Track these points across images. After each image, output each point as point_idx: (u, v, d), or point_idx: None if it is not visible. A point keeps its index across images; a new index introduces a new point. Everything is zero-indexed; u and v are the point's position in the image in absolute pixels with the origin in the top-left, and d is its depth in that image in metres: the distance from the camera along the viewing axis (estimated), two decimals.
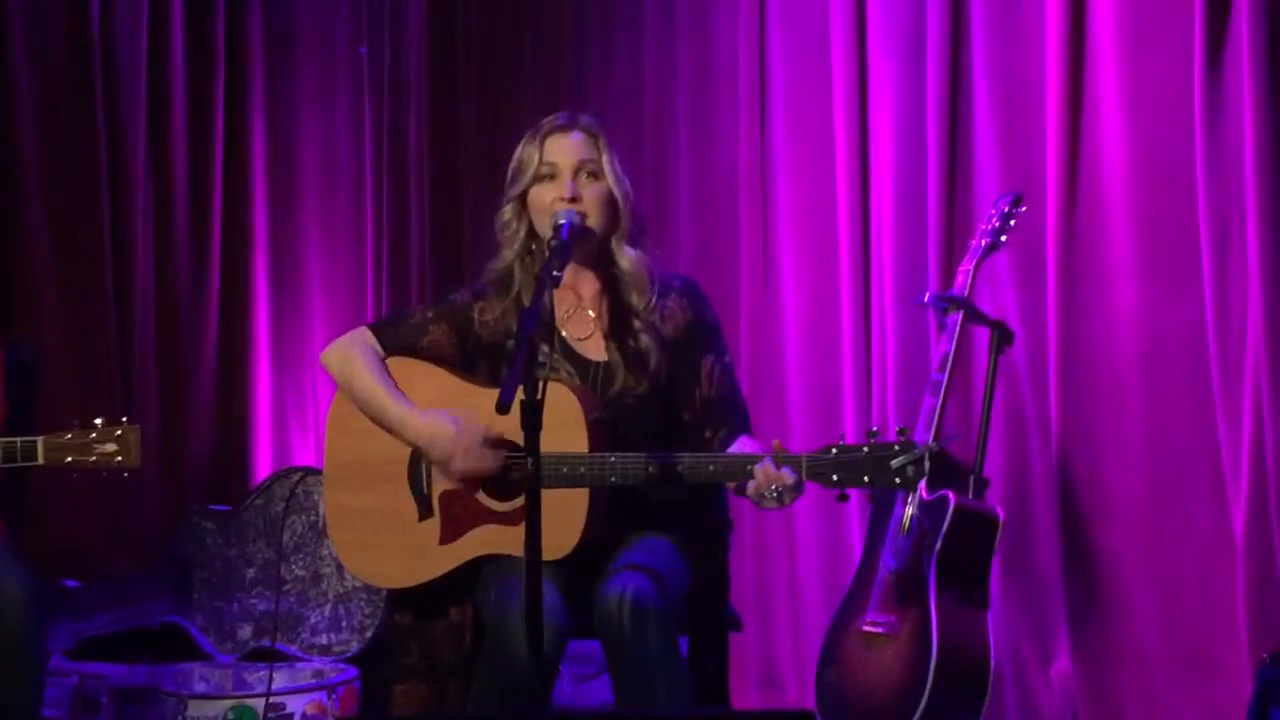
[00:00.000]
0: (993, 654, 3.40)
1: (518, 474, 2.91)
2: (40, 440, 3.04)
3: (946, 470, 3.52)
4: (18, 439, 3.04)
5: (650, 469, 2.78)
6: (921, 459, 2.66)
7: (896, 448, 2.67)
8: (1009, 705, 3.94)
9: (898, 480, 2.67)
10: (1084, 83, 3.88)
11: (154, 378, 4.97)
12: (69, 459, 3.05)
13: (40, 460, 3.04)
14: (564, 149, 3.00)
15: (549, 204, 2.96)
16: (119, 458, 3.05)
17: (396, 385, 2.98)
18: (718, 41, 4.67)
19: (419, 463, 2.97)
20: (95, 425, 3.05)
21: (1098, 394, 3.88)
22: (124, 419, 3.07)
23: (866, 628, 3.46)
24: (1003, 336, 3.68)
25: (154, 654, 4.32)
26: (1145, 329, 3.81)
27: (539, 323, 2.55)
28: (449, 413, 2.91)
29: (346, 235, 5.26)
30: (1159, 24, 3.77)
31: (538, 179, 2.99)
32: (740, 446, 2.93)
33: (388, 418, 2.96)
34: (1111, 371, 3.86)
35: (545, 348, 2.57)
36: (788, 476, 2.71)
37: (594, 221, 2.95)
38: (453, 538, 2.93)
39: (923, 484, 3.43)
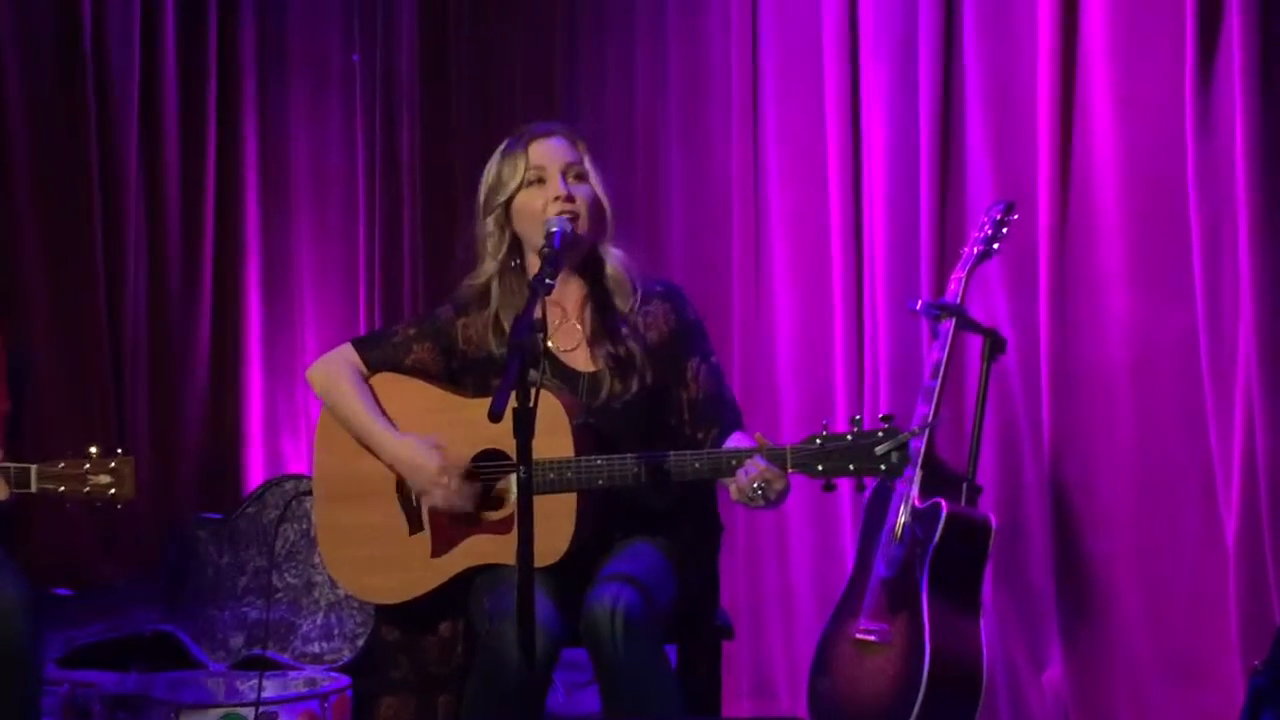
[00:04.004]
0: (985, 661, 3.41)
1: (504, 484, 2.91)
2: (33, 469, 2.99)
3: (939, 478, 3.53)
4: (10, 465, 2.99)
5: (637, 469, 2.78)
6: (905, 444, 2.65)
7: (880, 434, 2.67)
8: (1001, 712, 3.94)
9: (883, 467, 2.66)
10: (1075, 91, 3.89)
11: (145, 386, 4.97)
12: (62, 489, 2.99)
13: (33, 489, 2.99)
14: (550, 152, 2.99)
15: (541, 208, 2.94)
16: (113, 490, 2.99)
17: (379, 405, 2.97)
18: (710, 48, 4.68)
19: None
20: (90, 455, 3.00)
21: (1090, 401, 3.89)
22: (118, 450, 3.02)
23: (859, 635, 3.46)
24: (995, 344, 3.68)
25: (145, 662, 4.30)
26: (1137, 337, 3.82)
27: (531, 330, 2.55)
28: (434, 439, 2.90)
29: (338, 243, 5.27)
30: (1150, 32, 3.78)
31: (525, 184, 2.98)
32: (733, 443, 2.93)
33: (370, 440, 2.95)
34: (1103, 379, 3.86)
35: (535, 373, 2.56)
36: (772, 471, 2.70)
37: (584, 223, 2.95)
38: (444, 550, 2.92)
39: (915, 492, 3.47)
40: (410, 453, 2.90)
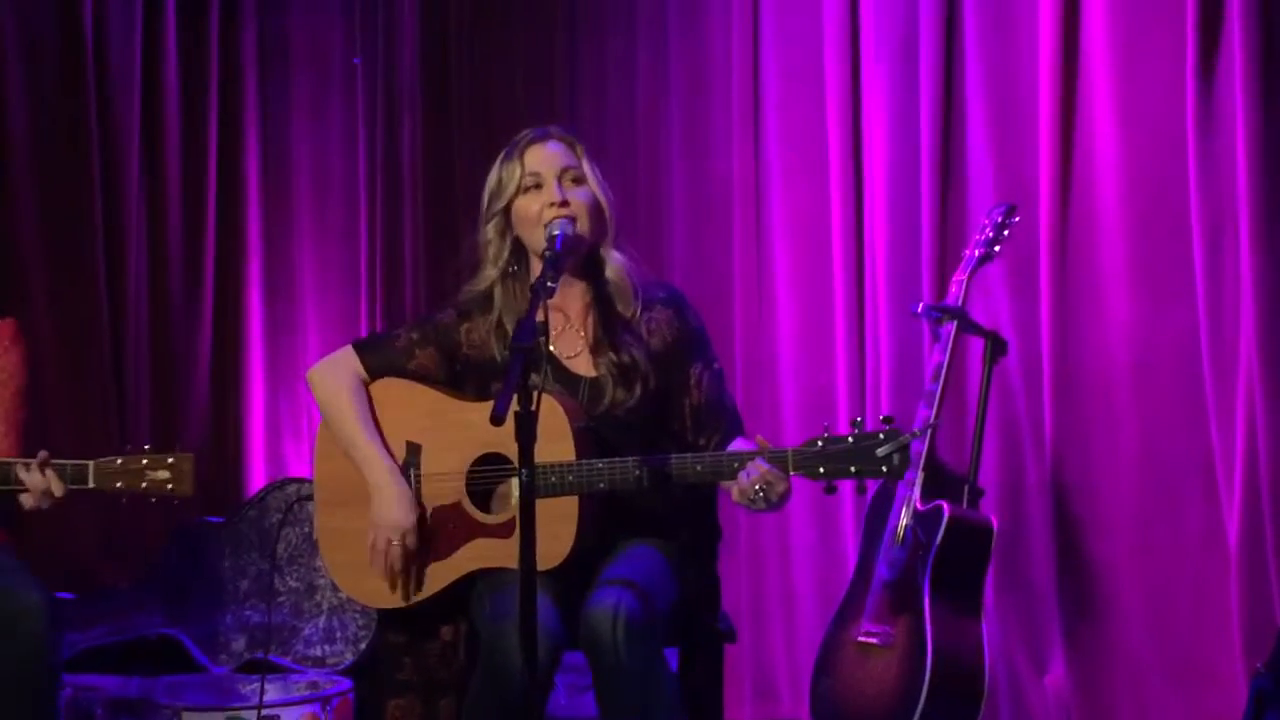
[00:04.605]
0: (987, 663, 3.41)
1: (505, 488, 2.91)
2: (91, 465, 3.02)
3: (941, 480, 3.53)
4: (67, 463, 3.02)
5: (638, 473, 2.78)
6: (906, 446, 2.65)
7: (881, 436, 2.66)
8: (1003, 715, 3.94)
9: (884, 469, 2.66)
10: (1077, 93, 3.89)
11: (147, 388, 4.96)
12: (119, 484, 3.02)
13: (90, 485, 3.02)
14: (545, 157, 3.00)
15: (538, 213, 2.95)
16: (171, 485, 3.03)
17: (375, 420, 2.98)
18: (711, 52, 4.68)
19: (408, 481, 2.97)
20: (145, 451, 3.03)
21: (1091, 403, 3.89)
22: (176, 446, 3.06)
23: (861, 638, 3.46)
24: (996, 346, 3.69)
25: (148, 666, 4.31)
26: (1138, 338, 3.82)
27: (533, 334, 2.55)
28: (414, 506, 2.90)
29: (340, 246, 5.26)
30: (1151, 35, 3.78)
31: (522, 190, 2.98)
32: (734, 449, 2.93)
33: (356, 457, 2.96)
34: (1105, 381, 3.87)
35: (536, 377, 2.56)
36: (773, 473, 2.70)
37: (583, 226, 2.96)
38: (445, 554, 2.93)
39: (917, 494, 3.47)
40: (392, 489, 2.91)
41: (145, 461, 3.02)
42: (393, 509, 2.90)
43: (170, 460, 3.02)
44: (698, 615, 3.04)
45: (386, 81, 5.16)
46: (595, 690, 2.74)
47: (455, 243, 5.09)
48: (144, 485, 3.02)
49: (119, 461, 3.02)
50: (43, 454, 3.01)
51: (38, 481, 3.00)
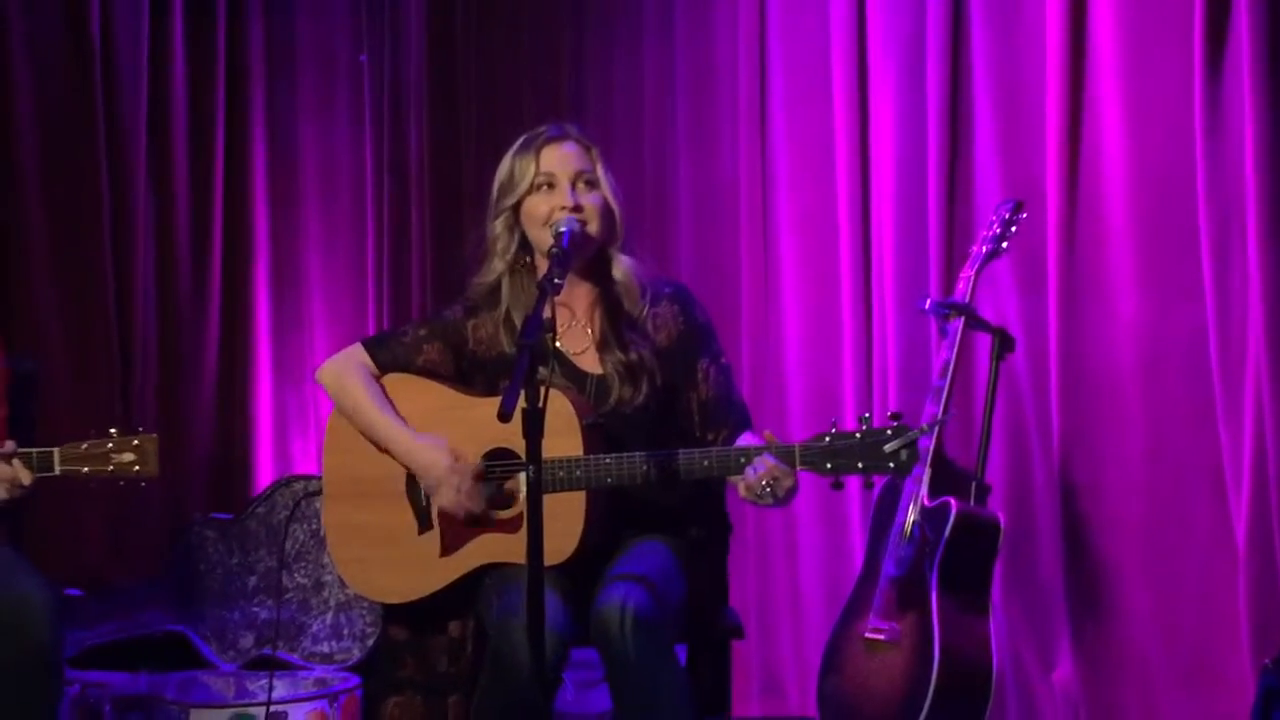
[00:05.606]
0: (995, 661, 3.41)
1: (513, 483, 2.92)
2: (56, 451, 2.99)
3: (948, 477, 3.53)
4: (33, 450, 2.98)
5: (646, 468, 2.78)
6: (914, 442, 2.65)
7: (889, 432, 2.66)
8: (1010, 712, 3.94)
9: (892, 465, 2.66)
10: (1084, 90, 3.89)
11: (154, 387, 4.97)
12: (85, 469, 2.99)
13: (56, 471, 2.99)
14: (561, 158, 2.99)
15: (548, 214, 2.95)
16: (137, 467, 3.00)
17: (391, 404, 2.98)
18: (717, 49, 4.68)
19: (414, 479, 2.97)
20: (111, 434, 3.00)
21: (1099, 400, 3.89)
22: (140, 429, 3.03)
23: (868, 634, 3.46)
24: (1004, 343, 3.69)
25: (156, 663, 4.31)
26: (1146, 336, 3.82)
27: (540, 330, 2.55)
28: (446, 443, 2.90)
29: (347, 244, 5.26)
30: (1159, 32, 3.78)
31: (534, 189, 2.98)
32: (742, 444, 2.92)
33: (382, 437, 2.96)
34: (1112, 378, 3.86)
35: (544, 371, 2.56)
36: (780, 468, 2.70)
37: (594, 230, 2.96)
38: (453, 549, 2.93)
39: (924, 491, 3.47)
40: (422, 451, 2.91)
41: (110, 445, 2.99)
42: (432, 464, 2.88)
43: (135, 442, 2.99)
44: (706, 612, 3.04)
45: (393, 79, 5.17)
46: (608, 685, 2.75)
47: (462, 240, 5.10)
48: (111, 469, 2.99)
49: (84, 446, 2.99)
50: (9, 444, 2.98)
51: (5, 472, 2.96)
